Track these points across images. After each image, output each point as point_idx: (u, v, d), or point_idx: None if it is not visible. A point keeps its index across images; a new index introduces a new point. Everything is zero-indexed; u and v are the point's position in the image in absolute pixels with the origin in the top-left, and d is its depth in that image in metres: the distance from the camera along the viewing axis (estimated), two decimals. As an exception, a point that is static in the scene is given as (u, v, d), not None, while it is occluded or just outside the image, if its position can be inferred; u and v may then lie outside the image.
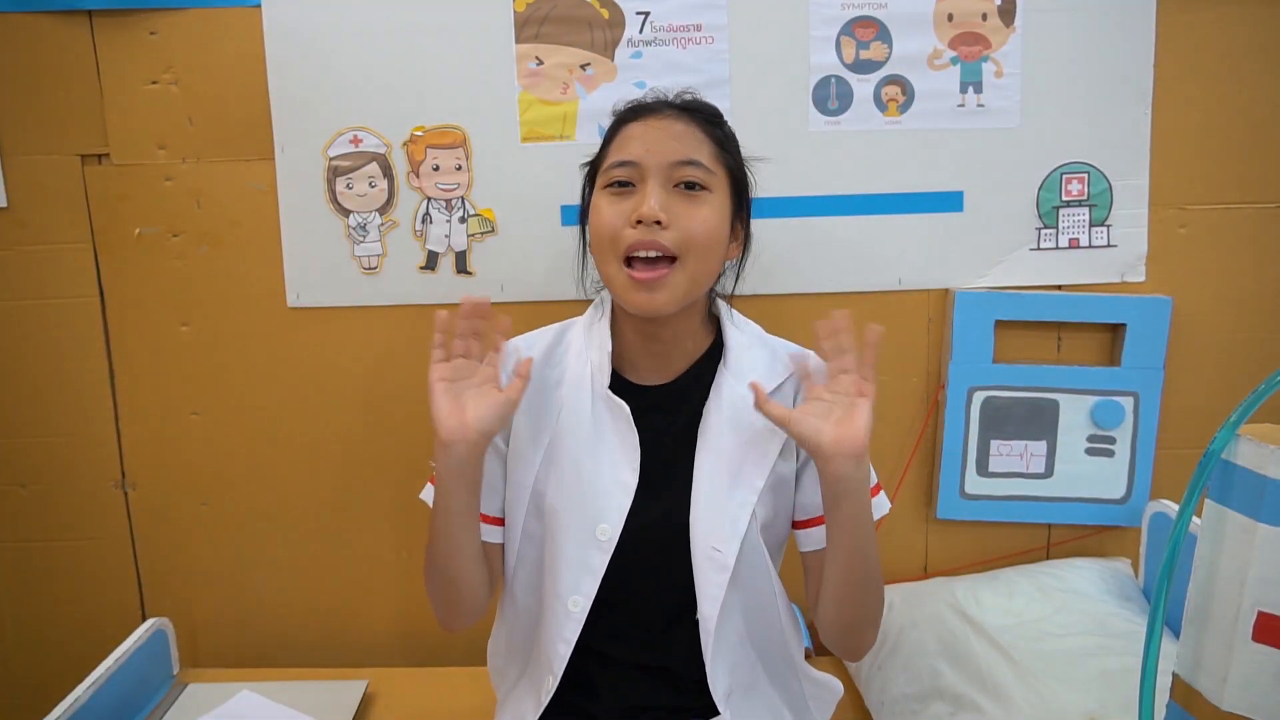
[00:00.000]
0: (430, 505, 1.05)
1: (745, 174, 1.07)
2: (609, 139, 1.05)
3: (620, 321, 1.07)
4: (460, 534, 1.00)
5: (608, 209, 1.00)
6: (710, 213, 0.99)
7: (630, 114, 1.04)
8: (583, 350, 1.07)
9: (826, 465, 0.92)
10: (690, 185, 0.99)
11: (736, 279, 1.14)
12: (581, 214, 1.10)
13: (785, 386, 1.06)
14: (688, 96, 1.07)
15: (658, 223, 0.96)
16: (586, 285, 1.16)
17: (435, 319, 0.98)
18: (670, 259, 0.98)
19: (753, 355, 1.07)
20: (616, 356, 1.07)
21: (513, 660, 1.12)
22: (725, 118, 1.07)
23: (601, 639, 1.03)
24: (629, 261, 0.98)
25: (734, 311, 1.12)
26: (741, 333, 1.09)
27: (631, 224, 0.97)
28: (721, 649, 1.02)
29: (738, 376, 1.04)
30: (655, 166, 0.98)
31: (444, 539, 1.00)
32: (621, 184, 1.00)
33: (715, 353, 1.08)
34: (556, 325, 1.12)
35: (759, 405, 0.94)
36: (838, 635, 1.03)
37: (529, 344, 1.09)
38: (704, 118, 1.03)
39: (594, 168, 1.07)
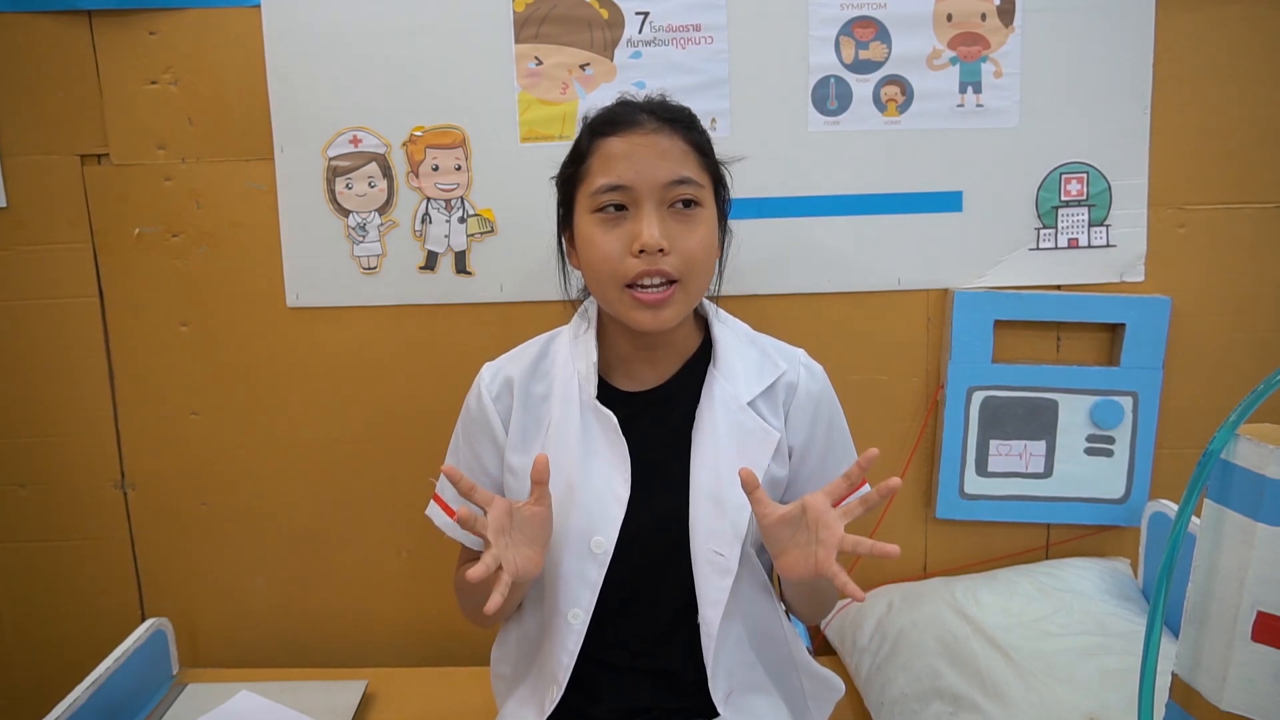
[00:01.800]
0: (436, 523, 1.09)
1: (722, 172, 1.06)
2: (585, 153, 1.00)
3: (611, 330, 1.06)
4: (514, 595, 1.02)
5: (603, 238, 0.97)
6: (706, 230, 0.99)
7: (607, 128, 0.99)
8: (568, 361, 1.05)
9: (777, 564, 0.91)
10: (685, 203, 0.97)
11: (720, 276, 1.13)
12: (560, 225, 1.09)
13: (776, 386, 1.05)
14: (657, 100, 1.03)
15: (660, 250, 0.95)
16: (570, 293, 1.14)
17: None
18: (673, 280, 0.97)
19: (743, 354, 1.06)
20: (605, 364, 1.06)
21: (517, 670, 1.11)
22: (697, 117, 1.04)
23: (603, 646, 1.03)
24: (631, 285, 0.97)
25: (720, 309, 1.11)
26: (730, 330, 1.08)
27: (633, 253, 0.96)
28: (722, 651, 1.02)
29: (729, 377, 1.03)
30: (649, 189, 0.96)
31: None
32: (613, 207, 0.97)
33: (704, 352, 1.07)
34: (540, 338, 1.10)
35: (747, 492, 0.91)
36: (795, 609, 1.10)
37: (513, 359, 1.08)
38: (683, 126, 1.00)
39: (570, 182, 1.03)
